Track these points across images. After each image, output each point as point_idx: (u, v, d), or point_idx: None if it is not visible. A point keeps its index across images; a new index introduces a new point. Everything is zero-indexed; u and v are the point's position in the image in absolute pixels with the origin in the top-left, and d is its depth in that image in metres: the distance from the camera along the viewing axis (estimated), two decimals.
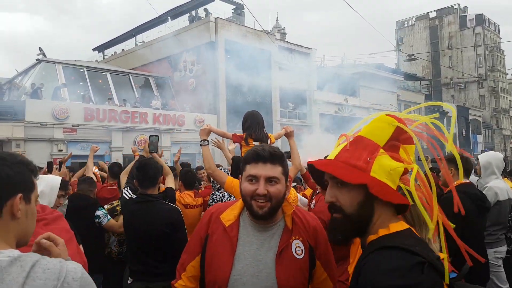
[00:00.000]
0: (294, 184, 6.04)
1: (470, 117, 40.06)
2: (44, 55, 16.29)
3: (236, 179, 2.87)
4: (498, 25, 55.79)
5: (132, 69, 19.73)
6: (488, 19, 53.26)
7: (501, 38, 55.36)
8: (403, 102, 29.90)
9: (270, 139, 3.18)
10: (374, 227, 1.03)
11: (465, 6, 54.78)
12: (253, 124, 3.14)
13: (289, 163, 2.12)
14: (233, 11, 21.00)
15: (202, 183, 5.57)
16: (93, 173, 4.71)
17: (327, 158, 1.15)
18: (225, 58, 17.81)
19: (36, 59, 16.20)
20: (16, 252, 0.95)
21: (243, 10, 20.55)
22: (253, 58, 17.27)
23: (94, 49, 26.03)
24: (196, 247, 1.58)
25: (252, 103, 17.29)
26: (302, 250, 1.49)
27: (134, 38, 22.95)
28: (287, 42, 23.08)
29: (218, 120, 17.28)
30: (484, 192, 3.33)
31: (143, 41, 22.17)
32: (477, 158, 3.62)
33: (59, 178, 2.79)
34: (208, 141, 2.91)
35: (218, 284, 1.44)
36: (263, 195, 1.43)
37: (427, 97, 34.68)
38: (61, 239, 1.16)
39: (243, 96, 17.66)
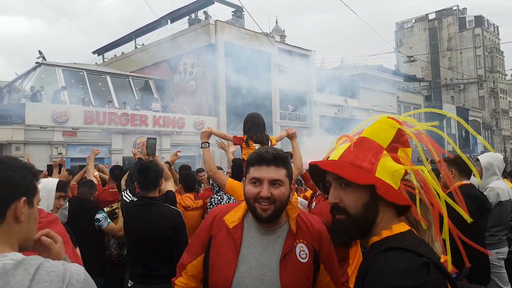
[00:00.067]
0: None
1: (470, 118, 40.09)
2: (43, 58, 16.32)
3: (236, 181, 2.87)
4: (497, 26, 55.93)
5: (132, 72, 19.76)
6: (487, 20, 53.40)
7: (500, 39, 55.49)
8: (402, 104, 29.95)
9: (271, 141, 3.18)
10: (377, 228, 1.03)
11: (464, 8, 54.98)
12: (254, 126, 3.14)
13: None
14: (233, 13, 21.07)
15: (202, 185, 5.56)
16: (93, 176, 4.70)
17: (330, 158, 1.15)
18: (224, 61, 17.84)
19: (36, 62, 16.23)
20: (19, 255, 0.96)
21: (243, 13, 20.61)
22: (253, 60, 17.31)
23: (94, 52, 26.11)
24: (198, 248, 1.57)
25: (252, 105, 17.32)
26: (306, 253, 1.48)
27: (134, 41, 23.01)
28: (287, 44, 23.14)
29: (218, 122, 17.29)
30: (485, 192, 3.32)
31: (143, 44, 22.23)
32: (477, 159, 3.61)
33: (55, 180, 2.79)
34: (208, 143, 2.91)
35: (220, 286, 1.44)
36: (266, 197, 1.42)
37: (426, 98, 34.73)
38: (59, 236, 1.17)
39: (243, 98, 17.68)
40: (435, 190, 1.06)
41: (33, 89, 14.21)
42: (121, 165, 7.74)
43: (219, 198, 3.61)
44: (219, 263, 1.47)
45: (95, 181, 4.36)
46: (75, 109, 13.97)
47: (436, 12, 55.41)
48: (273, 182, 1.44)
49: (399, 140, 1.10)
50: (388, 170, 1.04)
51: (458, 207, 1.06)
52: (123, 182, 3.47)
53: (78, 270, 1.00)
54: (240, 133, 3.34)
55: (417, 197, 1.06)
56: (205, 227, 1.58)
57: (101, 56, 25.67)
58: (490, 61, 52.20)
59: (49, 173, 4.20)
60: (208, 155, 2.84)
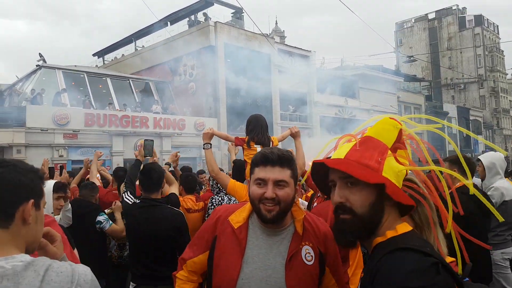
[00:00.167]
0: None
1: (471, 118, 40.06)
2: (44, 61, 16.35)
3: (238, 182, 2.87)
4: (497, 26, 55.90)
5: (132, 74, 19.79)
6: (487, 19, 53.38)
7: (500, 38, 55.46)
8: (403, 104, 29.93)
9: (272, 142, 3.18)
10: (382, 228, 1.02)
11: (464, 7, 54.97)
12: (257, 128, 3.14)
13: None
14: (232, 15, 21.10)
15: (203, 187, 5.56)
16: (96, 178, 4.70)
17: (333, 157, 1.14)
18: (224, 62, 17.87)
19: (37, 65, 16.27)
20: (27, 257, 0.97)
21: (242, 14, 20.64)
22: (253, 61, 17.33)
23: (94, 55, 26.16)
24: (201, 245, 1.57)
25: (252, 106, 17.32)
26: (312, 256, 1.47)
27: (134, 43, 23.05)
28: (287, 45, 23.16)
29: (218, 124, 17.29)
30: (490, 192, 3.30)
31: (143, 46, 22.27)
32: (478, 159, 3.59)
33: (52, 182, 2.80)
34: (210, 144, 2.92)
35: (224, 286, 1.43)
36: (271, 198, 1.41)
37: (427, 98, 34.69)
38: (59, 234, 1.18)
39: (243, 99, 17.69)
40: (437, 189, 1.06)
41: (33, 91, 14.23)
42: (122, 166, 7.75)
43: (219, 199, 3.61)
44: (223, 264, 1.46)
45: (98, 183, 4.37)
46: (75, 111, 13.99)
47: (435, 11, 55.41)
48: (278, 183, 1.43)
49: (400, 141, 1.11)
50: (393, 170, 1.04)
51: (450, 207, 1.07)
52: (122, 186, 3.47)
53: (85, 271, 1.02)
54: (240, 134, 3.35)
55: (428, 196, 1.06)
56: (209, 227, 1.58)
57: (101, 59, 25.72)
58: (491, 60, 52.16)
59: (51, 176, 4.20)
60: (210, 156, 2.85)
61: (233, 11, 20.97)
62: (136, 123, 15.13)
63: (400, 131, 1.10)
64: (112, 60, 24.55)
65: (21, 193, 1.01)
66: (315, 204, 3.18)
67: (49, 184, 2.73)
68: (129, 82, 18.57)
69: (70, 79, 16.27)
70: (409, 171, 1.11)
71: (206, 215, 3.67)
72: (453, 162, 2.95)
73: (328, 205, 2.46)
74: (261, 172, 1.45)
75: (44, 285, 0.93)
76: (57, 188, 2.98)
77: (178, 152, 4.21)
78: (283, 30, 39.75)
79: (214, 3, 19.57)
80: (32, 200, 1.02)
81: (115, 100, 16.66)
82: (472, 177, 3.07)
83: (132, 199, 2.99)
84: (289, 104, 21.37)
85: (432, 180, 1.13)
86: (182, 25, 20.49)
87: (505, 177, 3.68)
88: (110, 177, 5.02)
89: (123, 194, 3.08)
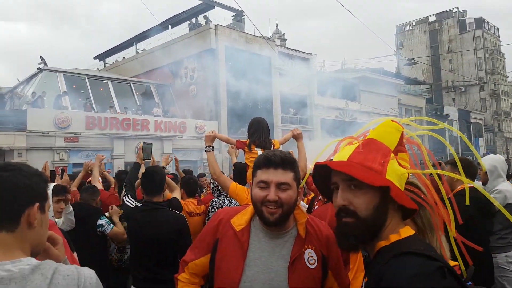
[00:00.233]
0: None
1: (472, 120, 40.04)
2: (45, 64, 16.41)
3: (239, 185, 2.87)
4: (498, 28, 55.95)
5: (133, 77, 19.83)
6: (488, 22, 53.44)
7: (501, 41, 55.51)
8: (404, 106, 29.94)
9: (274, 145, 3.17)
10: (385, 232, 1.01)
11: (464, 10, 55.02)
12: (258, 131, 3.14)
13: None
14: (233, 18, 21.16)
15: (204, 190, 5.56)
16: (98, 182, 4.70)
17: (335, 159, 1.13)
18: (225, 65, 17.91)
19: (38, 68, 16.32)
20: (33, 260, 0.98)
21: (243, 17, 20.70)
22: (254, 64, 17.37)
23: (95, 58, 26.23)
24: (202, 248, 1.56)
25: (253, 109, 17.36)
26: (314, 259, 1.46)
27: (135, 46, 23.10)
28: (287, 48, 23.21)
29: (219, 126, 17.30)
30: (493, 195, 3.27)
31: (144, 48, 22.33)
32: (478, 163, 3.57)
33: (51, 185, 2.79)
34: (212, 147, 2.92)
35: None
36: (273, 201, 1.40)
37: (428, 101, 34.70)
38: (60, 238, 1.19)
39: (244, 102, 17.71)
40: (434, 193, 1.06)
41: (34, 94, 14.27)
42: (124, 169, 7.76)
43: (220, 202, 3.60)
44: (226, 266, 1.45)
45: (100, 186, 4.37)
46: (76, 114, 14.02)
47: (436, 14, 55.49)
48: (281, 185, 1.42)
49: (402, 144, 1.10)
50: (396, 173, 1.03)
51: (451, 211, 1.07)
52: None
53: (90, 274, 1.04)
54: (241, 137, 3.35)
55: (445, 198, 1.04)
56: (211, 229, 1.57)
57: (102, 62, 25.78)
58: (491, 63, 52.17)
59: (52, 179, 4.20)
60: (212, 159, 2.85)
61: (234, 14, 21.03)
62: (137, 126, 15.15)
63: (402, 133, 1.10)
64: (113, 63, 24.62)
65: (27, 197, 1.02)
66: (316, 207, 3.17)
67: (49, 188, 2.73)
68: (130, 85, 18.61)
69: (71, 82, 16.32)
70: (410, 174, 1.10)
71: (207, 219, 3.66)
72: (455, 165, 2.93)
73: (328, 208, 2.45)
74: (263, 175, 1.44)
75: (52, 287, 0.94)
76: (57, 191, 2.98)
77: (170, 155, 4.21)
78: (284, 33, 39.83)
79: (215, 6, 19.64)
80: (37, 204, 1.03)
81: (116, 103, 16.70)
82: (474, 181, 3.06)
83: (133, 202, 2.99)
84: (290, 107, 21.39)
85: (433, 183, 1.13)
86: (183, 28, 20.61)
87: (507, 180, 3.66)
88: (113, 180, 5.03)
89: (124, 197, 3.08)
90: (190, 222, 3.31)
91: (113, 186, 4.91)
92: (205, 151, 2.91)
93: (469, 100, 51.09)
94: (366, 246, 1.04)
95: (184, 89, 19.08)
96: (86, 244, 3.13)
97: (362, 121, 22.58)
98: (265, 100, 19.04)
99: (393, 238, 0.99)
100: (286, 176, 1.44)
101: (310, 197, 4.31)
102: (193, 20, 20.20)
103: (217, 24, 18.39)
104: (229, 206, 3.51)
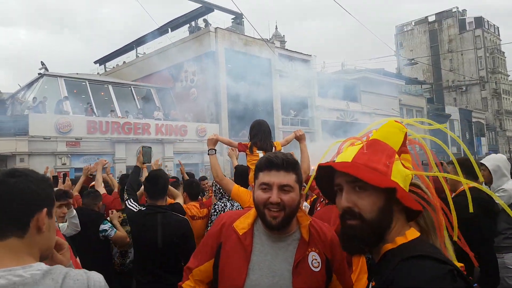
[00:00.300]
0: None
1: (473, 120, 39.95)
2: (46, 69, 16.47)
3: (242, 187, 2.87)
4: (498, 27, 55.95)
5: (133, 81, 19.88)
6: (488, 21, 53.43)
7: (501, 40, 55.47)
8: (405, 107, 29.90)
9: (275, 147, 3.16)
10: (391, 234, 0.99)
11: (464, 9, 55.03)
12: (259, 133, 3.14)
13: None
14: (233, 20, 21.21)
15: (205, 193, 5.55)
16: (102, 187, 4.71)
17: (338, 160, 1.11)
18: (225, 67, 17.93)
19: (38, 73, 16.38)
20: (43, 266, 0.99)
21: (242, 19, 20.75)
22: (254, 67, 17.39)
23: (95, 62, 26.30)
24: (206, 253, 1.55)
25: (253, 111, 17.36)
26: (318, 262, 1.45)
27: (135, 50, 23.17)
28: (287, 49, 23.23)
29: (220, 129, 17.31)
30: (498, 194, 3.25)
31: (144, 52, 22.39)
32: (481, 164, 3.55)
33: None
34: (215, 150, 2.92)
35: None
36: (276, 203, 1.39)
37: (429, 101, 34.65)
38: (66, 243, 1.21)
39: (245, 104, 17.72)
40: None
41: (35, 100, 14.31)
42: (127, 173, 7.75)
43: (222, 205, 3.60)
44: (229, 271, 1.44)
45: (103, 191, 4.37)
46: (78, 119, 14.05)
47: (435, 14, 55.54)
48: (283, 187, 1.42)
49: (405, 145, 1.09)
50: (401, 174, 1.02)
51: (454, 214, 1.06)
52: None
53: (99, 278, 1.06)
54: (242, 139, 3.35)
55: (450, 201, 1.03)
56: (214, 234, 1.56)
57: (102, 66, 25.85)
58: (492, 62, 52.13)
59: (54, 184, 4.21)
60: (214, 162, 2.86)
61: (233, 16, 21.08)
62: (138, 130, 15.17)
63: (405, 134, 1.09)
64: (113, 67, 24.68)
65: (35, 202, 1.03)
66: (318, 209, 3.16)
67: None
68: (131, 89, 18.66)
69: (72, 87, 16.36)
70: (414, 176, 1.09)
71: (209, 221, 3.65)
72: (458, 165, 2.91)
73: (330, 210, 2.44)
74: (265, 177, 1.44)
75: None
76: (58, 196, 2.98)
77: (159, 159, 4.23)
78: (283, 35, 39.90)
79: (214, 9, 19.68)
80: (45, 209, 1.04)
81: (117, 107, 16.73)
82: (476, 181, 3.04)
83: (136, 206, 2.98)
84: (291, 109, 21.40)
85: (437, 184, 1.12)
86: (182, 32, 20.65)
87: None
88: (116, 184, 5.04)
89: (126, 202, 3.07)
90: (193, 226, 3.31)
91: (116, 190, 4.91)
92: (208, 154, 2.92)
93: (470, 99, 51.02)
94: (371, 249, 1.02)
95: (185, 92, 19.11)
96: (88, 249, 3.12)
97: (363, 122, 22.58)
98: (265, 102, 19.04)
99: (400, 240, 0.98)
100: (288, 178, 1.43)
101: (312, 199, 4.30)
102: (193, 23, 20.26)
103: (217, 27, 18.43)
104: (231, 208, 3.51)
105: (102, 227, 3.59)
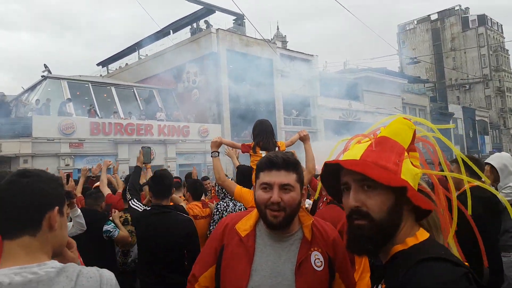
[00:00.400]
0: None
1: (477, 118, 39.74)
2: (49, 71, 16.56)
3: (244, 188, 2.87)
4: (501, 25, 55.63)
5: (136, 83, 19.95)
6: (491, 19, 53.15)
7: (504, 38, 55.14)
8: (408, 105, 29.79)
9: (279, 147, 3.16)
10: (400, 235, 0.96)
11: (467, 7, 54.77)
12: (262, 133, 3.14)
13: None
14: (234, 21, 21.22)
15: (208, 193, 5.56)
16: (106, 187, 4.73)
17: (345, 158, 1.08)
18: (227, 68, 17.95)
19: (42, 76, 16.47)
20: (57, 263, 1.02)
21: (244, 20, 20.75)
22: (255, 67, 17.39)
23: (98, 64, 26.39)
24: (210, 258, 1.54)
25: (255, 112, 17.36)
26: (321, 261, 1.45)
27: (137, 52, 23.25)
28: (289, 50, 23.22)
29: (222, 130, 17.33)
30: (504, 191, 3.23)
31: (146, 54, 22.46)
32: (486, 163, 3.53)
33: None
34: (218, 152, 2.93)
35: None
36: (277, 203, 1.39)
37: (432, 99, 34.51)
38: (74, 241, 1.22)
39: (247, 104, 17.73)
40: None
41: (38, 102, 14.40)
42: (130, 174, 7.77)
43: (224, 204, 3.60)
44: (232, 273, 1.43)
45: (108, 191, 4.39)
46: (81, 120, 14.12)
47: (438, 12, 55.30)
48: (284, 187, 1.41)
49: (413, 142, 1.06)
50: (410, 173, 0.99)
51: (455, 214, 1.04)
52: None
53: (110, 276, 1.09)
54: (244, 140, 3.35)
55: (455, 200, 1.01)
56: (216, 236, 1.56)
57: (105, 68, 25.95)
58: (495, 60, 51.84)
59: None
60: (217, 164, 2.87)
61: (235, 17, 21.10)
62: (141, 131, 15.22)
63: (414, 131, 1.06)
64: (116, 69, 24.77)
65: (47, 201, 1.06)
66: (321, 207, 3.15)
67: None
68: (133, 91, 18.73)
69: (75, 89, 16.44)
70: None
71: (212, 221, 3.66)
72: (463, 164, 2.89)
73: (331, 209, 2.43)
74: (266, 177, 1.44)
75: None
76: None
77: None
78: (285, 35, 39.91)
79: (216, 11, 19.72)
80: (57, 207, 1.07)
81: (119, 109, 16.80)
82: (481, 179, 3.01)
83: (140, 206, 2.99)
84: (293, 108, 21.37)
85: (441, 183, 1.10)
86: (184, 33, 20.71)
87: None
88: (121, 184, 5.07)
89: (130, 202, 3.08)
90: (195, 225, 3.32)
91: (120, 190, 4.93)
92: (211, 156, 2.93)
93: (473, 97, 50.77)
94: (379, 249, 0.99)
95: (187, 93, 19.16)
96: (91, 249, 3.13)
97: (365, 121, 22.52)
98: (267, 102, 19.05)
99: (411, 242, 0.95)
100: (289, 178, 1.43)
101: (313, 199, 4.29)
102: (194, 25, 20.30)
103: (218, 28, 18.46)
104: (234, 208, 3.52)
105: (106, 227, 3.60)
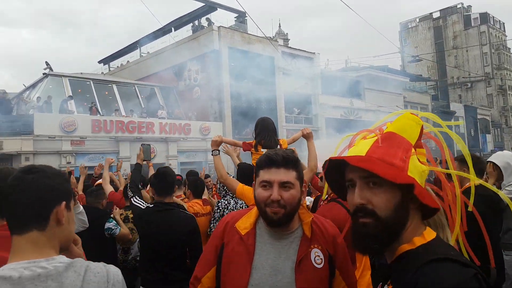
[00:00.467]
0: None
1: (479, 117, 39.64)
2: (50, 69, 16.57)
3: (246, 186, 2.87)
4: (504, 23, 55.39)
5: (137, 80, 19.95)
6: (493, 17, 52.91)
7: (506, 36, 54.93)
8: (409, 104, 29.74)
9: (281, 145, 3.15)
10: (406, 234, 0.94)
11: (469, 5, 54.52)
12: (263, 131, 3.13)
13: None
14: (236, 19, 21.18)
15: (208, 191, 5.57)
16: (109, 184, 4.74)
17: (350, 154, 1.05)
18: (228, 66, 17.93)
19: (43, 73, 16.48)
20: (65, 258, 1.04)
21: (246, 18, 20.72)
22: (257, 65, 17.37)
23: (99, 62, 26.40)
24: (211, 258, 1.54)
25: (257, 110, 17.35)
26: (321, 259, 1.45)
27: (138, 50, 23.23)
28: (290, 47, 23.17)
29: (223, 127, 17.33)
30: (508, 189, 3.23)
31: (148, 52, 22.43)
32: (488, 162, 3.53)
33: None
34: (219, 151, 2.93)
35: None
36: (276, 200, 1.39)
37: (433, 97, 34.44)
38: (79, 238, 1.24)
39: (248, 102, 17.72)
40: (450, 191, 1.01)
41: (40, 99, 14.40)
42: (130, 172, 7.78)
43: (226, 202, 3.61)
44: (233, 271, 1.44)
45: (111, 189, 4.40)
46: (82, 118, 14.12)
47: (440, 10, 55.08)
48: (283, 185, 1.41)
49: (421, 139, 1.04)
50: (417, 170, 0.96)
51: (459, 212, 1.01)
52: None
53: (117, 271, 1.11)
54: (245, 138, 3.36)
55: (458, 200, 0.99)
56: (217, 235, 1.56)
57: (107, 66, 25.96)
58: (497, 58, 51.66)
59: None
60: (218, 162, 2.87)
61: (236, 15, 21.06)
62: (142, 129, 15.23)
63: (422, 127, 1.03)
64: (117, 67, 24.77)
65: (53, 196, 1.08)
66: (322, 204, 3.15)
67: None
68: (135, 88, 18.72)
69: (77, 87, 16.46)
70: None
71: (212, 219, 3.67)
72: (463, 161, 2.90)
73: (331, 207, 2.43)
74: (266, 174, 1.44)
75: (85, 285, 1.01)
76: None
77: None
78: (287, 33, 39.76)
79: (217, 8, 19.67)
80: (64, 202, 1.09)
81: (121, 106, 16.80)
82: (482, 177, 3.01)
83: (143, 203, 2.99)
84: (294, 106, 21.35)
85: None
86: (186, 31, 20.66)
87: None
88: (123, 181, 5.08)
89: (131, 199, 3.08)
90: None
91: (121, 188, 4.94)
92: (212, 155, 2.92)
93: (475, 96, 50.64)
94: (384, 248, 0.97)
95: (188, 91, 19.14)
96: (93, 246, 3.13)
97: (367, 119, 22.49)
98: (269, 100, 19.03)
99: (418, 241, 0.92)
100: (288, 175, 1.43)
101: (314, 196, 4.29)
102: (196, 22, 20.26)
103: (220, 26, 18.42)
104: (235, 206, 3.52)
105: (108, 225, 3.60)
